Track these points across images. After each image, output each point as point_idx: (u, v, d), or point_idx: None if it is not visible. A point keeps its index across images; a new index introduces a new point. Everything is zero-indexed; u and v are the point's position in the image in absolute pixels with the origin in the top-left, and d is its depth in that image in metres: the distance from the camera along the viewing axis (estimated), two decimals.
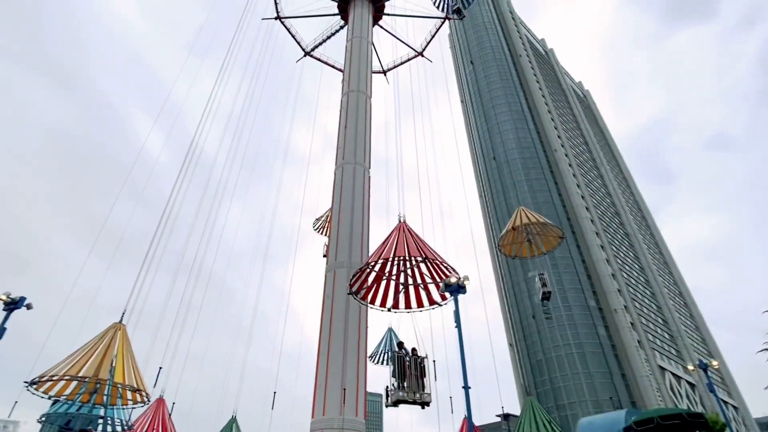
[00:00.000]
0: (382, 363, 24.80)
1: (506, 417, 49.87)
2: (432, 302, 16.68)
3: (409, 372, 11.78)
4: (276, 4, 35.22)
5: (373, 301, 17.17)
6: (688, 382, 65.35)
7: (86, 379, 13.65)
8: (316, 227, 32.09)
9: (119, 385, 14.15)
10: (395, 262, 16.16)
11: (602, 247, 68.92)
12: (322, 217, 31.55)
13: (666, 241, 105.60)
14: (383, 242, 15.96)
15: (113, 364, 13.90)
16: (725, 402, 68.04)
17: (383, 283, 17.32)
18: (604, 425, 11.72)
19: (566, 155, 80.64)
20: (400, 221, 16.90)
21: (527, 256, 23.44)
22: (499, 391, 22.57)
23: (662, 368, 60.27)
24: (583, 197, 74.95)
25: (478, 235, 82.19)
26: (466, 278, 9.66)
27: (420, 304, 16.99)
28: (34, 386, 13.70)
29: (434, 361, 14.35)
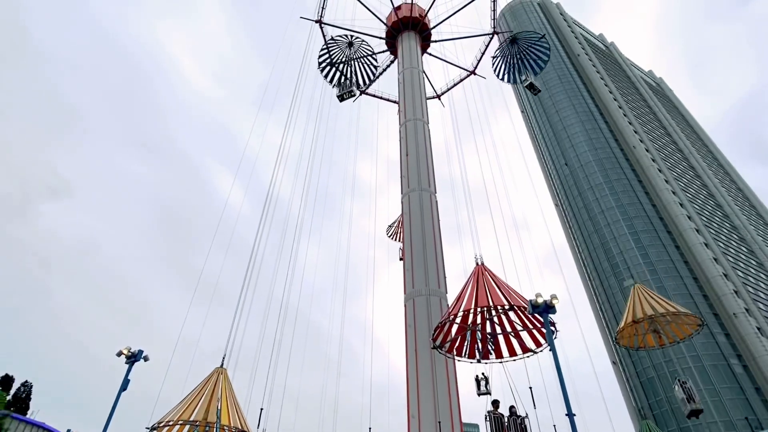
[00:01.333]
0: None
1: None
2: (525, 350, 15.33)
3: None
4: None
5: (459, 353, 16.16)
6: None
7: (197, 423, 14.69)
8: (389, 234, 33.00)
9: (226, 427, 15.04)
10: (477, 312, 15.04)
11: (706, 244, 61.67)
12: (394, 222, 32.49)
13: None
14: (462, 289, 15.12)
15: (219, 407, 14.85)
16: None
17: (468, 334, 16.22)
18: None
19: (647, 150, 74.55)
20: (477, 264, 15.92)
21: (655, 347, 19.50)
22: (609, 416, 20.59)
23: None
24: (674, 192, 68.27)
25: (560, 247, 77.68)
26: (555, 297, 9.08)
27: (512, 353, 15.62)
28: (155, 431, 14.98)
29: (530, 387, 13.51)
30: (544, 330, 10.87)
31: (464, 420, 18.56)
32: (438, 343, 14.94)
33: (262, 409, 14.25)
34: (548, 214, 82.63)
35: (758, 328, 52.86)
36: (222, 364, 16.48)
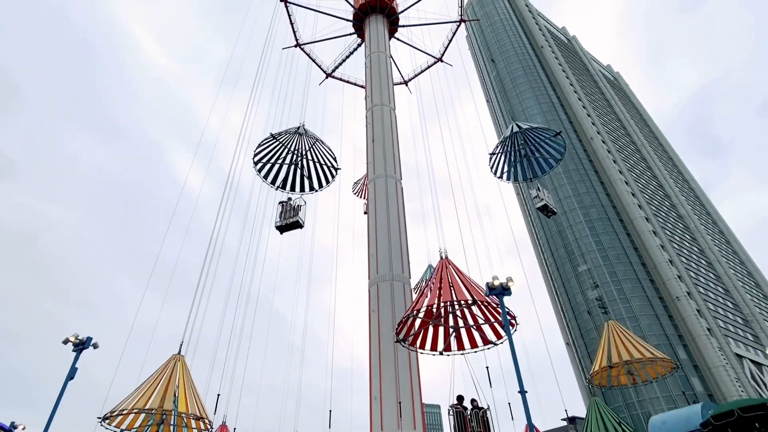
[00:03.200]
0: None
1: (572, 420, 47.68)
2: (486, 342, 15.67)
3: (471, 428, 10.84)
4: (294, 32, 36.37)
5: (422, 346, 16.32)
6: None
7: (153, 411, 14.28)
8: (355, 191, 33.40)
9: (183, 415, 14.71)
10: (441, 307, 15.27)
11: (654, 232, 65.39)
12: (360, 179, 32.97)
13: (725, 219, 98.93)
14: (426, 283, 15.28)
15: (176, 395, 14.49)
16: None
17: (431, 328, 16.40)
18: (678, 422, 10.92)
19: (603, 142, 77.65)
20: (441, 258, 16.02)
21: (627, 385, 19.78)
22: (561, 394, 21.65)
23: (739, 356, 55.86)
24: (627, 183, 71.68)
25: (520, 234, 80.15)
26: (510, 279, 9.36)
27: (474, 345, 15.99)
28: (107, 421, 14.46)
29: (487, 367, 14.02)
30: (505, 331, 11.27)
31: (426, 401, 19.03)
32: (401, 336, 15.08)
33: (219, 395, 14.00)
34: (510, 201, 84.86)
35: (698, 311, 56.88)
36: (179, 351, 16.06)
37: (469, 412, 11.78)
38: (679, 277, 60.03)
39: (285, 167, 21.40)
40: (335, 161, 21.12)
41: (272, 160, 20.73)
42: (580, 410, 55.15)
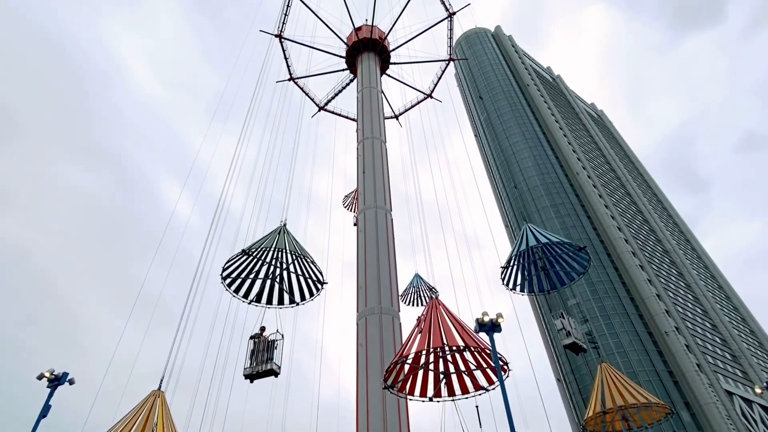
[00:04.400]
0: (412, 304, 24.96)
1: None
2: (477, 387, 15.27)
3: None
4: (288, 67, 37.31)
5: (411, 392, 15.83)
6: (762, 406, 59.76)
7: None
8: (345, 205, 33.46)
9: None
10: (430, 352, 14.76)
11: (641, 267, 66.04)
12: (350, 194, 33.10)
13: (710, 254, 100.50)
14: (416, 326, 14.96)
15: None
16: None
17: (420, 372, 15.95)
18: None
19: (589, 177, 79.44)
20: (432, 298, 15.88)
21: (621, 431, 18.83)
22: (550, 425, 21.16)
23: (729, 393, 55.48)
24: (613, 217, 72.91)
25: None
26: (500, 315, 9.31)
27: (464, 391, 15.60)
28: None
29: (477, 406, 13.70)
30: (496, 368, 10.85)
31: None
32: (389, 382, 14.62)
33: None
34: (498, 233, 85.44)
35: (686, 346, 56.80)
36: (159, 387, 15.46)
37: None
38: (666, 311, 60.25)
39: (259, 281, 17.74)
40: (321, 274, 17.29)
41: (243, 275, 17.16)
42: None
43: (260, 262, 17.41)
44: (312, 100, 39.50)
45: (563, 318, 17.62)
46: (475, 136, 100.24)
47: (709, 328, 69.05)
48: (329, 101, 39.80)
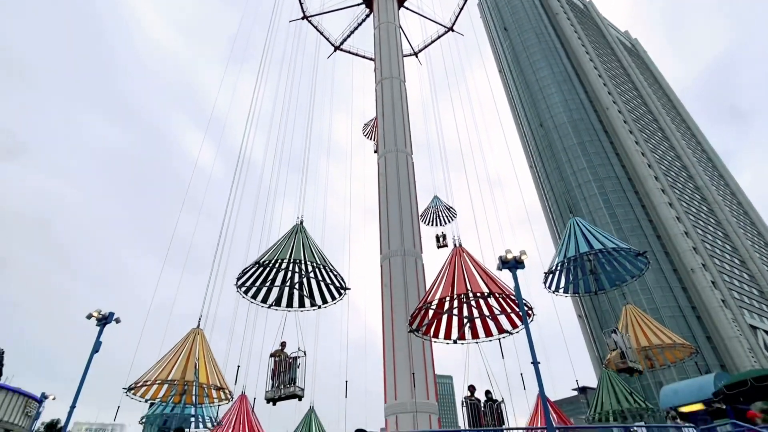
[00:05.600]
0: (431, 224, 25.73)
1: (583, 390, 48.35)
2: (501, 330, 15.27)
3: (485, 421, 10.37)
4: (301, 4, 35.56)
5: (436, 335, 16.06)
6: None
7: (175, 382, 14.82)
8: (365, 133, 33.58)
9: (204, 385, 15.25)
10: (454, 298, 14.72)
11: (670, 204, 64.25)
12: (370, 121, 32.99)
13: (744, 190, 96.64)
14: (440, 272, 14.93)
15: (197, 367, 14.99)
16: None
17: (444, 317, 16.12)
18: (691, 392, 10.98)
19: (620, 112, 75.59)
20: (455, 246, 15.59)
21: (644, 371, 17.27)
22: (572, 365, 21.93)
23: (754, 327, 55.56)
24: (643, 154, 70.08)
25: (533, 207, 79.54)
26: (524, 253, 9.34)
27: (488, 333, 15.64)
28: (132, 391, 15.07)
29: (499, 339, 14.12)
30: (520, 313, 10.78)
31: (438, 372, 19.43)
32: (414, 326, 15.02)
33: (239, 366, 14.46)
34: (522, 173, 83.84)
35: (713, 282, 56.36)
36: (198, 326, 16.51)
37: (483, 404, 11.33)
38: (694, 249, 59.30)
39: (276, 289, 16.73)
40: (342, 280, 16.06)
41: (258, 284, 16.20)
42: (591, 381, 55.71)
43: (276, 270, 16.28)
44: (327, 39, 37.91)
45: (615, 334, 15.93)
46: (500, 71, 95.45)
47: (737, 264, 67.96)
48: (345, 40, 38.13)
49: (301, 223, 16.58)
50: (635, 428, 9.53)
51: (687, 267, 56.62)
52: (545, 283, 17.77)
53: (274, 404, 13.63)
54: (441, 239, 22.83)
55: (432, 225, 26.48)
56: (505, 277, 14.00)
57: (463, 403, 11.30)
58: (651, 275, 57.25)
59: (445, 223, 26.17)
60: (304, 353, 13.57)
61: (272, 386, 12.91)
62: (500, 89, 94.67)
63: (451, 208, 26.20)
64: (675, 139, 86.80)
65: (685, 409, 10.80)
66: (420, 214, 24.03)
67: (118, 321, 11.52)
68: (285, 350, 13.43)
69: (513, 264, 9.28)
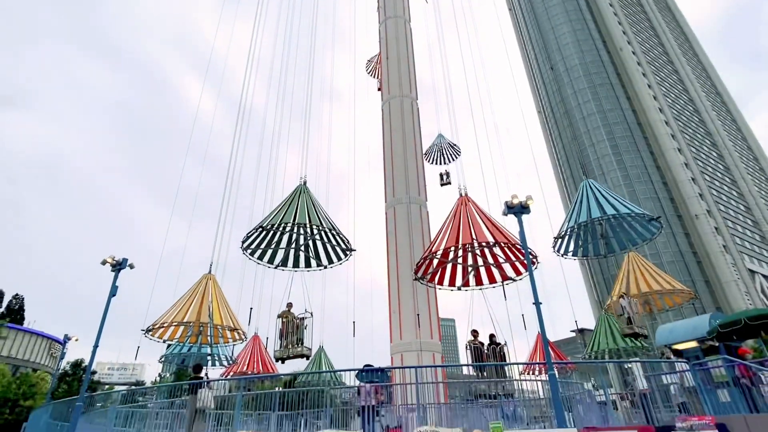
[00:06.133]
0: (435, 162, 26.12)
1: (581, 331, 50.20)
2: (505, 278, 15.37)
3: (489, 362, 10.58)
4: None
5: (441, 282, 16.34)
6: None
7: (190, 324, 15.55)
8: (368, 71, 33.15)
9: (218, 327, 16.00)
10: (459, 248, 14.83)
11: (679, 150, 63.16)
12: (373, 58, 32.46)
13: (756, 135, 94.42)
14: (445, 222, 14.87)
15: (210, 309, 15.65)
16: None
17: (449, 265, 16.29)
18: (686, 330, 11.41)
19: (633, 53, 72.35)
20: (461, 195, 15.47)
21: (643, 314, 17.98)
22: (572, 306, 22.66)
23: (752, 271, 56.49)
24: (655, 98, 67.89)
25: (540, 154, 78.53)
26: (530, 198, 9.35)
27: (492, 280, 15.80)
28: (149, 333, 15.85)
29: (502, 285, 14.48)
30: (525, 261, 10.77)
31: (442, 315, 20.16)
32: (419, 275, 15.31)
33: (251, 308, 15.07)
34: (530, 119, 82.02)
35: (716, 228, 56.64)
36: (210, 271, 17.02)
37: (486, 347, 11.55)
38: (700, 195, 59.03)
39: (282, 250, 16.91)
40: (347, 242, 16.11)
41: (263, 246, 16.30)
42: (590, 324, 57.73)
43: (281, 233, 16.50)
44: None
45: (623, 299, 15.89)
46: (510, 9, 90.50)
47: (742, 211, 67.88)
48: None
49: (305, 183, 16.48)
50: (629, 364, 10.02)
51: (691, 213, 56.69)
52: (554, 247, 17.69)
53: (283, 362, 14.24)
54: (445, 177, 22.69)
55: (436, 163, 26.24)
56: (509, 224, 14.16)
57: (467, 347, 11.73)
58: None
59: (449, 161, 25.91)
60: (311, 314, 13.96)
61: (281, 346, 13.36)
62: (510, 31, 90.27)
63: (455, 145, 25.87)
64: (689, 81, 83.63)
65: (679, 347, 11.27)
66: (424, 152, 23.77)
67: (132, 267, 11.88)
68: (292, 311, 13.81)
69: (519, 209, 9.32)
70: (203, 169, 20.85)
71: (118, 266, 11.52)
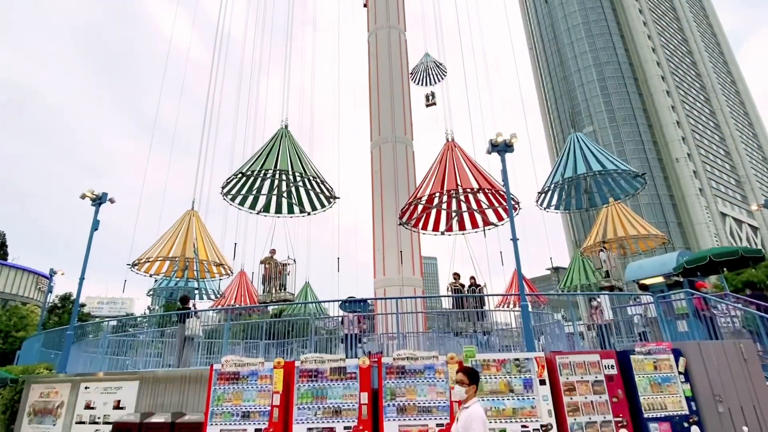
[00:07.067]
0: (421, 83, 25.91)
1: (556, 269, 52.46)
2: (487, 223, 15.65)
3: (468, 304, 10.74)
4: None
5: (425, 227, 16.62)
6: (751, 226, 63.86)
7: (176, 259, 15.71)
8: None
9: (204, 262, 16.22)
10: (444, 194, 14.85)
11: (668, 92, 62.69)
12: None
13: (745, 77, 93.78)
14: (431, 167, 14.67)
15: (195, 244, 15.76)
16: None
17: (434, 211, 16.49)
18: (654, 267, 12.02)
19: None
20: (447, 140, 15.26)
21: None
22: (549, 245, 23.46)
23: (723, 214, 58.74)
24: (649, 37, 66.06)
25: (528, 93, 77.17)
26: (514, 136, 9.29)
27: (474, 225, 16.15)
28: (135, 267, 16.00)
29: (483, 230, 14.81)
30: (507, 207, 10.90)
31: (424, 254, 20.74)
32: (404, 220, 15.47)
33: (236, 243, 15.22)
34: (521, 58, 79.55)
35: (694, 172, 57.88)
36: (192, 207, 16.93)
37: (466, 289, 11.89)
38: (683, 138, 59.59)
39: (263, 197, 16.39)
40: (331, 190, 15.57)
41: (244, 192, 15.78)
42: (566, 263, 60.12)
43: (262, 180, 15.96)
44: None
45: (602, 252, 15.79)
46: None
47: (722, 155, 69.12)
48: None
49: (286, 127, 15.82)
50: (598, 298, 10.63)
51: (672, 156, 57.52)
52: (537, 201, 17.77)
53: (266, 307, 14.35)
54: (430, 97, 22.23)
55: (421, 84, 25.50)
56: (493, 166, 14.20)
57: (448, 289, 12.22)
58: (635, 164, 58.30)
59: (436, 82, 25.16)
60: (294, 261, 13.89)
61: (264, 290, 13.54)
62: None
63: (441, 64, 25.00)
64: (686, 20, 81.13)
65: (646, 282, 11.92)
66: (410, 71, 22.99)
67: (112, 201, 11.69)
68: (275, 257, 13.84)
69: (503, 147, 9.31)
70: (180, 101, 20.00)
71: (98, 200, 11.34)
